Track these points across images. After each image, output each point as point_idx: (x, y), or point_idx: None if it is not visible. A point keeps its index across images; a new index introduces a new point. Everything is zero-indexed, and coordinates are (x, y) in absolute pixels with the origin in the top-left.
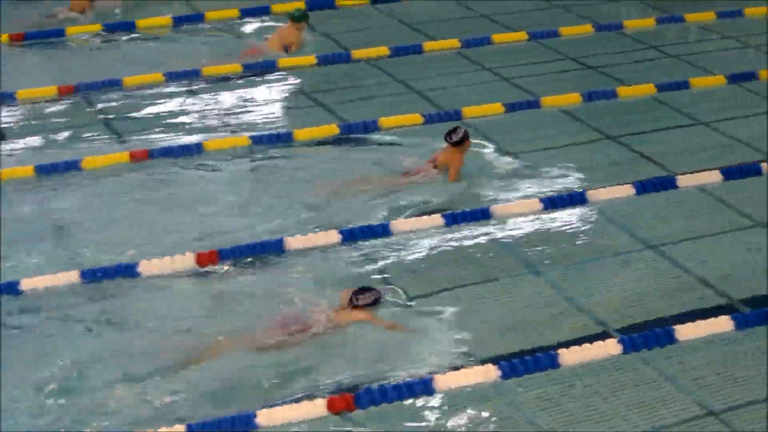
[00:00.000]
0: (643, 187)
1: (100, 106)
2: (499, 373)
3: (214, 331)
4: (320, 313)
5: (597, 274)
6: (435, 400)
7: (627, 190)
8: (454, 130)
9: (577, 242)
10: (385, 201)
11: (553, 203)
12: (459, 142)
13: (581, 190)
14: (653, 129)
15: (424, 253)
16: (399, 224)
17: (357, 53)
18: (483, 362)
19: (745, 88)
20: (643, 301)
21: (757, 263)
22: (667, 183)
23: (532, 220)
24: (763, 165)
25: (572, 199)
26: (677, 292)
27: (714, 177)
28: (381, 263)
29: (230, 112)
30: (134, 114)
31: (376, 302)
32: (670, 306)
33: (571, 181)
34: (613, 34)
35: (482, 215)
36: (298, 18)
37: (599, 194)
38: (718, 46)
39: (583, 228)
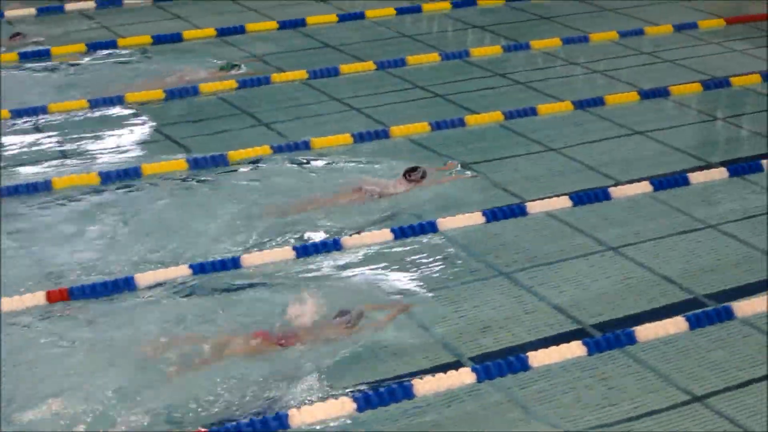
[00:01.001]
0: (494, 215)
1: None
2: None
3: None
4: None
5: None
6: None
7: (477, 218)
8: (414, 169)
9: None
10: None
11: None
12: (416, 180)
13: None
14: (502, 156)
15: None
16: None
17: (204, 87)
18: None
19: (592, 113)
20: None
21: (608, 287)
22: (517, 210)
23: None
24: (612, 189)
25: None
26: (531, 316)
27: (563, 202)
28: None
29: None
30: None
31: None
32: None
33: (424, 211)
34: (460, 62)
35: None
36: None
37: (447, 223)
38: (565, 72)
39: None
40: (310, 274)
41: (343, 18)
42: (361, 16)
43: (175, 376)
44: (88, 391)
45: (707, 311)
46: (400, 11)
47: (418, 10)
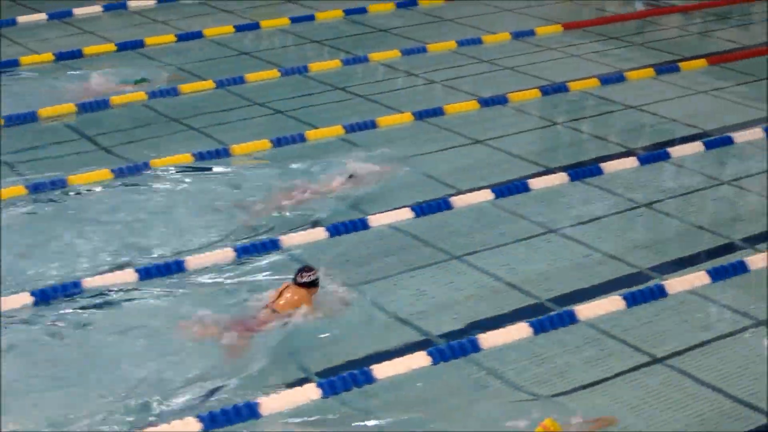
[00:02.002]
0: (336, 230)
1: None
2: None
3: None
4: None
5: None
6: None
7: (319, 234)
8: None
9: None
10: None
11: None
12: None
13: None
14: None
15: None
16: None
17: (43, 112)
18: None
19: (432, 123)
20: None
21: (452, 296)
22: (359, 224)
23: None
24: (453, 199)
25: None
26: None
27: (405, 214)
28: None
29: None
30: None
31: (316, 282)
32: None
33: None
34: (299, 77)
35: None
36: None
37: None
38: (404, 83)
39: None
40: None
41: (181, 37)
42: (198, 35)
43: None
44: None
45: (551, 316)
46: (239, 29)
47: (256, 27)
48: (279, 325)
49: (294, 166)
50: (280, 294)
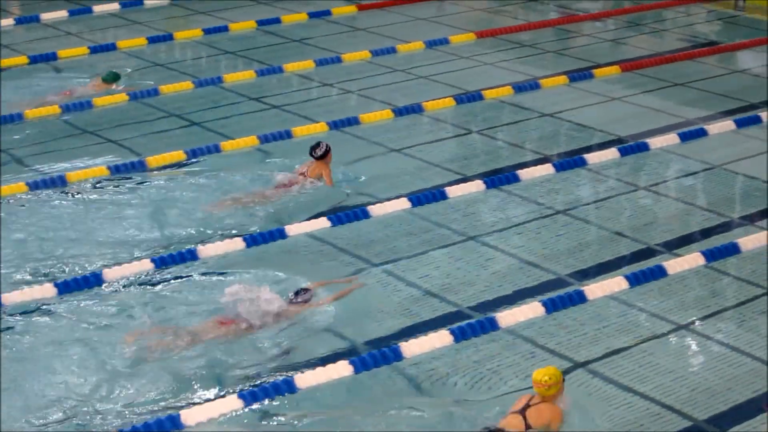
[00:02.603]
0: (254, 240)
1: None
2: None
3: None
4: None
5: None
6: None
7: (237, 244)
8: (317, 145)
9: None
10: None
11: None
12: (323, 156)
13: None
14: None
15: None
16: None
17: None
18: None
19: (347, 133)
20: None
21: (371, 306)
22: (277, 234)
23: None
24: (370, 208)
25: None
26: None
27: (322, 223)
28: None
29: None
30: None
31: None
32: None
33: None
34: (214, 88)
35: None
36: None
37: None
38: (319, 93)
39: None
40: None
41: (94, 50)
42: (112, 47)
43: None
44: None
45: (471, 323)
46: (152, 40)
47: (169, 38)
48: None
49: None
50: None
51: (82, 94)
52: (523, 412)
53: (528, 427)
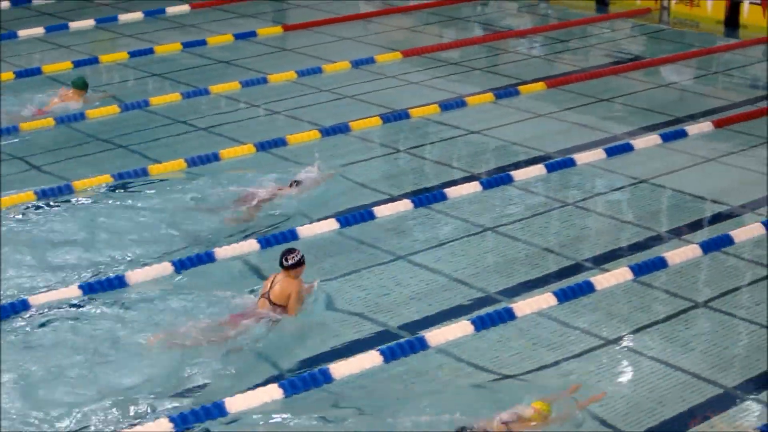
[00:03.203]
0: (182, 265)
1: None
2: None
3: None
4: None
5: None
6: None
7: (166, 268)
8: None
9: None
10: None
11: None
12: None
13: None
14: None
15: None
16: None
17: None
18: None
19: (274, 154)
20: None
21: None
22: (205, 258)
23: None
24: (299, 229)
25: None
26: None
27: (251, 246)
28: None
29: None
30: None
31: (302, 261)
32: None
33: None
34: (140, 111)
35: None
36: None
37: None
38: (246, 114)
39: None
40: None
41: (20, 74)
42: (38, 71)
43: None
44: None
45: (401, 343)
46: (78, 64)
47: (95, 61)
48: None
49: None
50: (271, 283)
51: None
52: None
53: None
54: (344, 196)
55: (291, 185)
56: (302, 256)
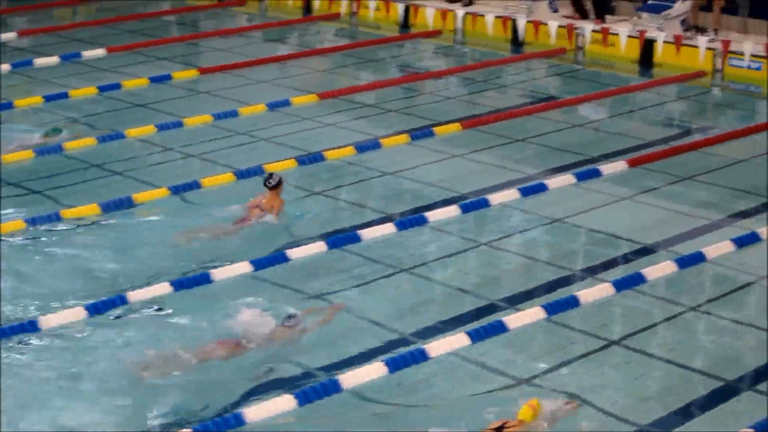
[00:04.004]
0: (96, 309)
1: None
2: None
3: None
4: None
5: None
6: None
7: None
8: (270, 176)
9: None
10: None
11: None
12: (276, 186)
13: None
14: (104, 245)
15: None
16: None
17: None
18: None
19: (188, 200)
20: None
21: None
22: (118, 301)
23: None
24: (212, 272)
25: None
26: None
27: (164, 289)
28: None
29: None
30: None
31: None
32: None
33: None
34: (55, 156)
35: None
36: None
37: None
38: (161, 158)
39: None
40: None
41: None
42: None
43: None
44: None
45: (315, 386)
46: None
47: (9, 106)
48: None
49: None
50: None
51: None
52: (499, 429)
53: None
54: (260, 239)
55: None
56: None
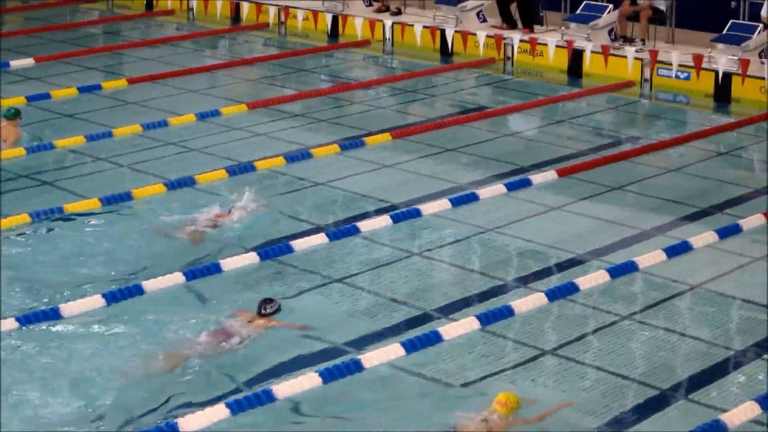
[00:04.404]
0: (27, 320)
1: None
2: None
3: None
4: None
5: None
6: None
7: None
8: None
9: None
10: None
11: None
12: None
13: None
14: (36, 260)
15: None
16: None
17: None
18: None
19: (118, 213)
20: None
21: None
22: (51, 314)
23: None
24: (144, 283)
25: None
26: None
27: (96, 302)
28: None
29: None
30: None
31: (278, 310)
32: None
33: None
34: None
35: None
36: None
37: None
38: (91, 168)
39: None
40: None
41: None
42: None
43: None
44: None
45: (248, 396)
46: None
47: None
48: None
49: None
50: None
51: None
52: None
53: None
54: (190, 250)
55: (230, 212)
56: (279, 305)
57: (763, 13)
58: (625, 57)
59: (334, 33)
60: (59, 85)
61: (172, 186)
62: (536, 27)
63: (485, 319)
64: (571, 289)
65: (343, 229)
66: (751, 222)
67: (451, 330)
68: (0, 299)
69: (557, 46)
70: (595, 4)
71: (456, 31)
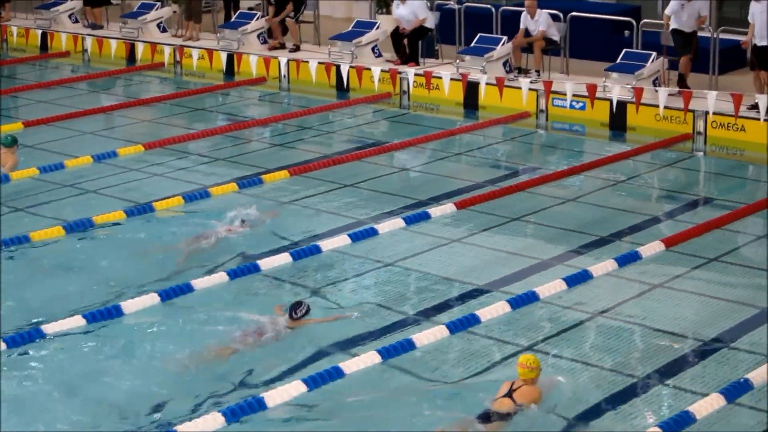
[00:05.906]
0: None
1: None
2: None
3: None
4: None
5: None
6: None
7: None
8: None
9: None
10: None
11: None
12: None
13: None
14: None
15: None
16: None
17: None
18: None
19: (17, 260)
20: None
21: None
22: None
23: None
24: (44, 327)
25: None
26: None
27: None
28: None
29: None
30: None
31: (308, 311)
32: None
33: None
34: None
35: None
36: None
37: None
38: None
39: None
40: None
41: None
42: None
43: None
44: None
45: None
46: None
47: None
48: None
49: None
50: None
51: None
52: (509, 395)
53: (517, 406)
54: (90, 294)
55: (242, 224)
56: (308, 307)
57: (667, 11)
58: (520, 88)
59: (229, 71)
60: None
61: (70, 228)
62: (431, 60)
63: (386, 353)
64: (473, 320)
65: (242, 268)
66: (650, 249)
67: (352, 365)
68: None
69: (452, 79)
70: (489, 36)
71: (351, 67)
